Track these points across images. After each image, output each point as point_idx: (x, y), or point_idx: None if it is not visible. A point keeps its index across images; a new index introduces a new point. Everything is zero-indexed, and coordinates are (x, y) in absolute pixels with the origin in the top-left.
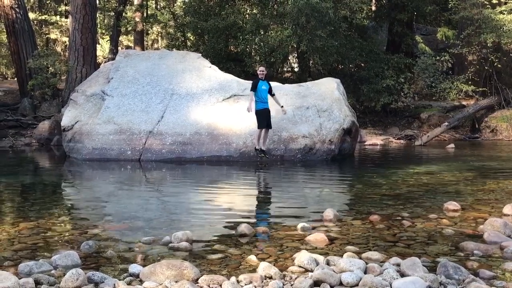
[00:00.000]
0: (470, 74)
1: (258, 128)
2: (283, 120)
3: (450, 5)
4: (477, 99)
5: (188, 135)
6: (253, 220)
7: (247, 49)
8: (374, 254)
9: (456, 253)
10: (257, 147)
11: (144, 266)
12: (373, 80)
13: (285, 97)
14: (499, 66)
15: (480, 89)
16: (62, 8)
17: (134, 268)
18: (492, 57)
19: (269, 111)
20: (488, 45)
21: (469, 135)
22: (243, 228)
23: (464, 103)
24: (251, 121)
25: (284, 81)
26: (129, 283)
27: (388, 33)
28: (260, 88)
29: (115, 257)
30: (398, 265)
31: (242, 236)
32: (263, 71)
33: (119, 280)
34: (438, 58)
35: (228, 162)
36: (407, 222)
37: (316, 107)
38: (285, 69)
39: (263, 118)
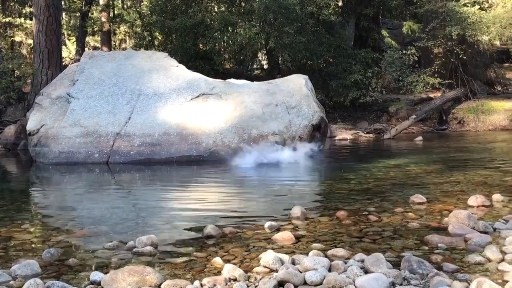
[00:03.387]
0: (436, 67)
1: None
2: (252, 118)
3: None
4: (444, 91)
5: (156, 136)
6: (220, 221)
7: (216, 47)
8: (340, 251)
9: (421, 247)
10: None
11: (106, 273)
12: (341, 75)
13: (254, 94)
14: (465, 58)
15: (447, 81)
16: (27, 10)
17: (95, 275)
18: (457, 50)
19: None
20: (453, 37)
21: (437, 127)
22: (210, 229)
23: (431, 95)
24: (221, 120)
25: (253, 78)
26: None
27: (355, 28)
28: None
29: (77, 265)
30: (363, 261)
31: (208, 237)
32: None
33: None
34: (404, 52)
35: (198, 162)
36: (374, 216)
37: (285, 104)
38: (254, 67)
39: None
